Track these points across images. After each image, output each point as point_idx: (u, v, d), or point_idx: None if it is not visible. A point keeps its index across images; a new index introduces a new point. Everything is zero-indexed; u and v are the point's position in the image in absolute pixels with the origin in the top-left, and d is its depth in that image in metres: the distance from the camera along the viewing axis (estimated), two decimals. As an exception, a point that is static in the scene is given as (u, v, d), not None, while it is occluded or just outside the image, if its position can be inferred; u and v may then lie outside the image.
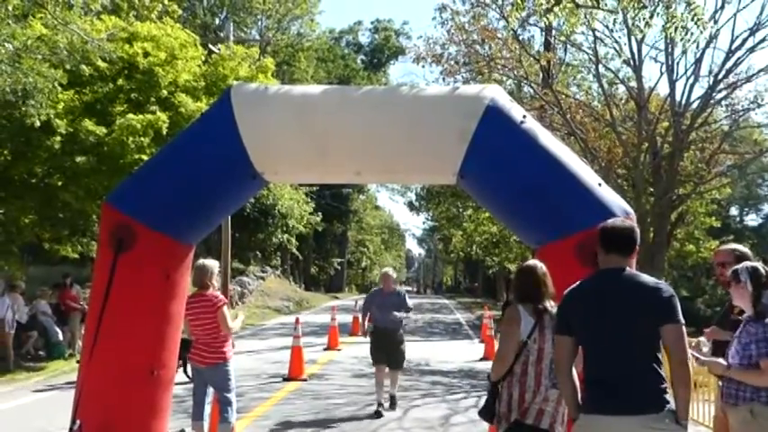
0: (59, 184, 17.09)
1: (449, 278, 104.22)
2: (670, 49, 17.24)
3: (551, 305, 4.80)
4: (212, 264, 7.68)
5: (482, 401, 5.07)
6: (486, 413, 4.88)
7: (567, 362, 4.06)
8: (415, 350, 18.40)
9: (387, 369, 10.33)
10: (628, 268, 4.01)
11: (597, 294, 4.00)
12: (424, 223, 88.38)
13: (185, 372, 10.95)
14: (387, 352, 10.18)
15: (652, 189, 18.12)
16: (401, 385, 12.70)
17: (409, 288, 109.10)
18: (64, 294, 17.46)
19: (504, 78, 20.00)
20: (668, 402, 3.71)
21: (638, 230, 4.22)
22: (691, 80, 17.43)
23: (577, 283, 4.20)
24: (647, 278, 3.94)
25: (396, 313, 10.26)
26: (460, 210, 40.92)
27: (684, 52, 17.11)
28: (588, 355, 3.99)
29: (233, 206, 7.03)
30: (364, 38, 65.70)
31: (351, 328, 22.42)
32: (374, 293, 10.77)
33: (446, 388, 12.80)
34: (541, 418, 4.71)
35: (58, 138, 15.41)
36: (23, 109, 12.77)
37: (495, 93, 5.90)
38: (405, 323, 10.61)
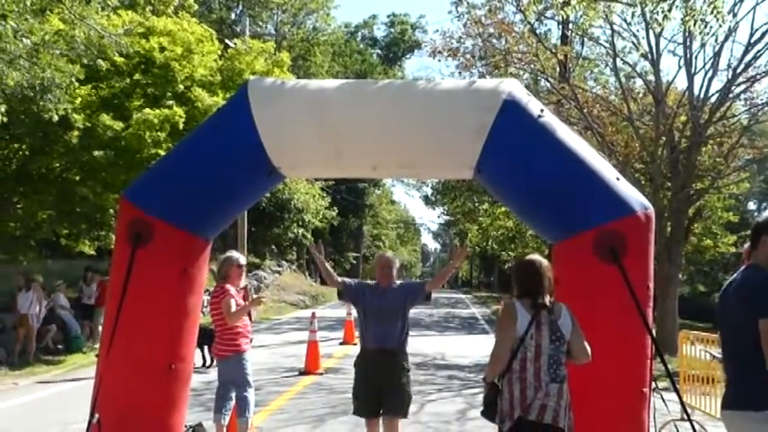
0: (77, 178, 17.19)
1: (464, 273, 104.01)
2: (688, 43, 17.12)
3: (550, 300, 4.74)
4: (232, 256, 7.73)
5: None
6: (489, 412, 4.84)
7: None
8: (430, 345, 18.42)
9: (380, 420, 6.63)
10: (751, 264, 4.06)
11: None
12: (439, 217, 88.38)
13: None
14: (379, 391, 6.45)
15: (669, 184, 18.00)
16: (417, 380, 12.69)
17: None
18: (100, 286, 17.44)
19: (521, 72, 19.93)
20: None
21: (762, 220, 4.27)
22: (709, 74, 17.30)
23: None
24: (749, 274, 4.00)
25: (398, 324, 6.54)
26: (476, 204, 40.81)
27: (703, 45, 16.99)
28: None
29: (250, 201, 7.04)
30: (380, 32, 65.66)
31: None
32: (362, 288, 6.78)
33: (462, 382, 12.79)
34: (544, 413, 4.67)
35: (76, 132, 15.50)
36: (41, 104, 12.82)
37: (513, 87, 5.86)
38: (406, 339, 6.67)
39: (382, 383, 6.46)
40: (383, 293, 6.59)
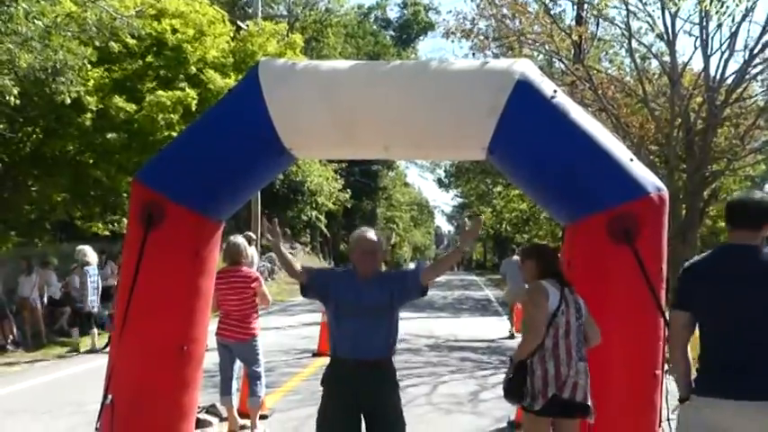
0: (90, 161, 17.28)
1: (478, 255, 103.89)
2: (705, 23, 16.94)
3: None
4: (243, 241, 7.75)
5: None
6: (515, 394, 4.81)
7: (682, 338, 3.87)
8: (444, 326, 18.43)
9: None
10: (758, 246, 3.75)
11: (722, 271, 3.77)
12: (453, 200, 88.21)
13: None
14: (358, 420, 4.78)
15: (685, 165, 17.88)
16: (430, 361, 12.71)
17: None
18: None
19: (535, 53, 19.79)
20: None
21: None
22: (726, 54, 17.12)
23: (701, 256, 4.01)
24: None
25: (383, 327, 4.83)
26: (490, 187, 40.74)
27: (720, 26, 16.82)
28: (710, 336, 3.79)
29: (262, 182, 7.02)
30: (393, 13, 65.30)
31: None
32: (333, 278, 5.15)
33: (475, 364, 12.79)
34: (576, 391, 4.69)
35: (89, 114, 15.54)
36: (54, 86, 12.86)
37: (526, 67, 5.80)
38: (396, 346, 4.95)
39: (364, 408, 4.77)
40: (363, 285, 4.84)
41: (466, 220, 5.27)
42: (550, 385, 4.68)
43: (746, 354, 3.58)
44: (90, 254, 14.53)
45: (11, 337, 14.61)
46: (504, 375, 5.07)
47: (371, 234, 5.07)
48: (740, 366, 3.58)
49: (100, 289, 14.70)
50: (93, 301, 14.31)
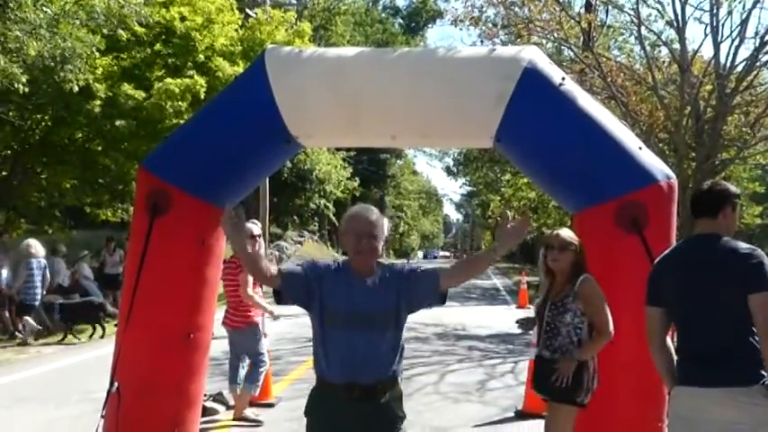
0: (99, 149, 17.30)
1: (486, 244, 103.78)
2: (715, 10, 16.76)
3: None
4: (248, 226, 7.73)
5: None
6: (580, 393, 4.87)
7: (659, 333, 3.90)
8: (451, 315, 18.42)
9: None
10: (719, 233, 3.75)
11: (684, 262, 3.81)
12: (461, 187, 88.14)
13: None
14: None
15: (694, 154, 17.75)
16: (437, 350, 12.72)
17: (446, 253, 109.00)
18: None
19: (544, 41, 19.66)
20: (764, 377, 3.48)
21: (724, 188, 3.90)
22: (736, 42, 16.94)
23: (669, 249, 4.07)
24: (738, 244, 3.68)
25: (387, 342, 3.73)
26: (498, 175, 40.63)
27: (730, 13, 16.65)
28: (678, 327, 3.84)
29: (268, 170, 7.01)
30: (402, 1, 65.11)
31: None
32: (318, 275, 3.78)
33: (483, 353, 12.79)
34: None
35: (98, 102, 15.56)
36: (62, 74, 12.87)
37: (534, 54, 5.76)
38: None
39: None
40: (359, 285, 3.68)
41: (508, 212, 3.97)
42: (596, 379, 4.91)
43: (711, 342, 3.62)
44: (35, 246, 14.43)
45: (20, 324, 14.66)
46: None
47: (370, 212, 3.76)
48: (705, 355, 3.62)
49: (47, 281, 14.61)
50: (36, 294, 14.23)
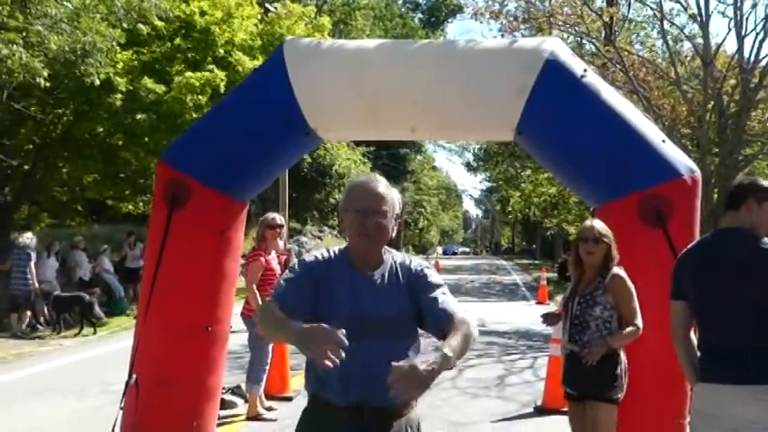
0: (120, 143, 17.37)
1: (506, 239, 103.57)
2: (739, 4, 16.57)
3: None
4: (267, 216, 7.73)
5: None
6: (613, 389, 4.80)
7: (683, 327, 3.82)
8: (471, 310, 18.33)
9: None
10: (742, 227, 3.67)
11: (707, 256, 3.74)
12: (481, 183, 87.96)
13: None
14: None
15: (717, 149, 17.56)
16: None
17: (466, 249, 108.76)
18: None
19: (565, 35, 19.51)
20: None
21: (749, 181, 3.82)
22: (760, 36, 16.73)
23: (694, 243, 4.00)
24: (761, 239, 3.60)
25: (410, 357, 2.66)
26: (519, 170, 40.44)
27: (755, 6, 16.53)
28: (699, 322, 3.76)
29: (286, 163, 6.98)
30: (422, -5, 64.88)
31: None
32: (315, 276, 2.86)
33: (502, 349, 12.73)
34: None
35: (119, 96, 15.62)
36: (83, 68, 12.92)
37: (555, 46, 5.69)
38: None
39: None
40: (365, 282, 2.88)
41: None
42: (626, 376, 4.84)
43: (732, 338, 3.55)
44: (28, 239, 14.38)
45: (42, 317, 14.77)
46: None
47: (376, 183, 2.98)
48: (727, 351, 3.55)
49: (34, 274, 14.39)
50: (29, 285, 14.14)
